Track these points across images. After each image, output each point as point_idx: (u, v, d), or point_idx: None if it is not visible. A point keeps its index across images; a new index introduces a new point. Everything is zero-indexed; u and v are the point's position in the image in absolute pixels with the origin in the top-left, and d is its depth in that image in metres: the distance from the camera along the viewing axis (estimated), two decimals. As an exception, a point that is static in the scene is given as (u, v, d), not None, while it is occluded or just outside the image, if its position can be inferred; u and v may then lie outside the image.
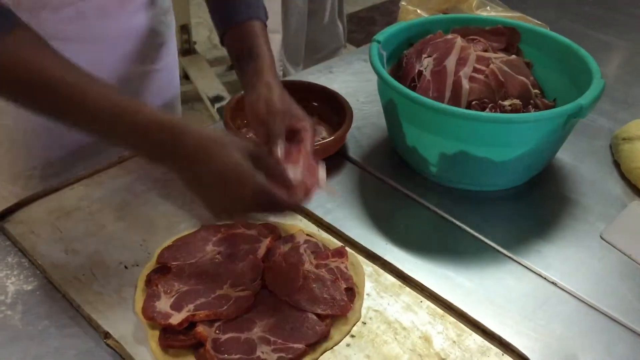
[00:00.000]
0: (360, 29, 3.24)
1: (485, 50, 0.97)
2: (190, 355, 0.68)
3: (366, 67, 1.22)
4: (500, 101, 0.91)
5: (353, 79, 1.22)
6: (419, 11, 1.30)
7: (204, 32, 3.24)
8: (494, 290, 0.79)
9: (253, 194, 0.65)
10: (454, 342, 0.72)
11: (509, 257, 0.84)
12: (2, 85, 0.66)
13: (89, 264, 0.79)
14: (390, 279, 0.80)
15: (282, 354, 0.68)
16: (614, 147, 1.04)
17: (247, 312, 0.72)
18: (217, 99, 2.61)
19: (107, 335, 0.70)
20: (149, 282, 0.75)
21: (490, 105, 0.90)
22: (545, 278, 0.82)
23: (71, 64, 0.66)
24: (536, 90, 0.95)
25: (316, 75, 1.22)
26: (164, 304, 0.71)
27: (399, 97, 0.90)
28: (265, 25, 0.90)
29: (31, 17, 0.80)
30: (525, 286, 0.80)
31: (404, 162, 1.00)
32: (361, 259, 0.82)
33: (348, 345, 0.71)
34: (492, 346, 0.72)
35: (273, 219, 0.71)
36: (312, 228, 0.87)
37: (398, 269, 0.80)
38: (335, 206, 0.91)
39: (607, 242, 0.87)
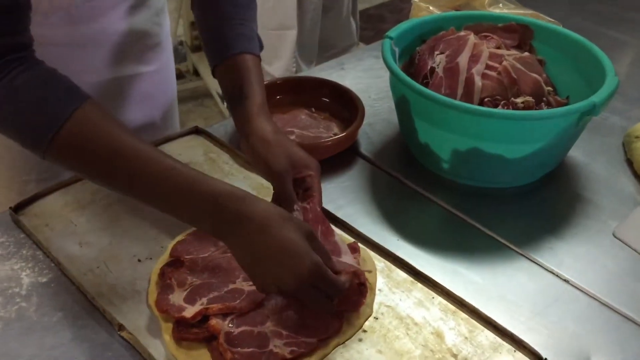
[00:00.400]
0: (370, 27, 3.23)
1: (498, 47, 0.97)
2: (203, 348, 0.69)
3: (377, 63, 1.22)
4: (512, 98, 0.90)
5: (364, 75, 1.22)
6: (431, 8, 1.30)
7: (214, 29, 3.25)
8: (506, 287, 0.79)
9: (309, 272, 0.65)
10: (466, 338, 0.72)
11: (521, 254, 0.84)
12: (79, 157, 0.68)
13: (103, 257, 0.80)
14: (402, 274, 0.80)
15: (294, 348, 0.68)
16: (626, 145, 1.04)
17: (260, 306, 0.72)
18: (226, 95, 2.61)
19: (121, 327, 0.71)
20: (162, 275, 0.76)
21: (502, 103, 0.90)
22: (557, 275, 0.81)
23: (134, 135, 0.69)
24: (549, 88, 0.95)
25: (328, 72, 1.22)
26: (177, 297, 0.72)
27: (411, 93, 0.90)
28: (259, 59, 0.88)
29: None
30: (537, 283, 0.80)
31: (416, 159, 1.00)
32: (373, 254, 0.82)
33: (360, 340, 0.72)
34: (504, 343, 0.72)
35: (314, 307, 0.71)
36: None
37: (410, 264, 0.80)
38: (347, 202, 0.91)
39: (619, 239, 0.87)
